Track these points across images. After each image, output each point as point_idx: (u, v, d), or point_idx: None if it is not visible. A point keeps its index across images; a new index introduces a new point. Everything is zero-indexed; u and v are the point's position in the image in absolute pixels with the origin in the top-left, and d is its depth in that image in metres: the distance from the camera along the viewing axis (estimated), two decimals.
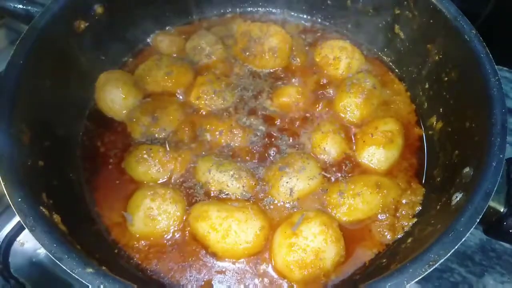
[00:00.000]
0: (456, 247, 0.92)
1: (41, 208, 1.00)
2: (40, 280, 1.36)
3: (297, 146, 1.42)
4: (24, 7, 1.38)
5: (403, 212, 1.29)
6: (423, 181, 1.39)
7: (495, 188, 1.00)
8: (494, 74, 1.18)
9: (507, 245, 1.54)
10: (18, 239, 1.38)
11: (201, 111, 1.48)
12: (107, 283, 0.89)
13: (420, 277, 0.90)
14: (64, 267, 0.90)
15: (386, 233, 1.27)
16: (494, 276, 1.53)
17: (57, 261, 0.90)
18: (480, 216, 0.96)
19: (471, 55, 1.24)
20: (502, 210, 1.07)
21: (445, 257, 0.92)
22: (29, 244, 1.40)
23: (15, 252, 1.37)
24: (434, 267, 0.91)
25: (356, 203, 1.28)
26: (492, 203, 1.06)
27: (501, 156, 1.04)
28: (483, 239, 1.55)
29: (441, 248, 0.93)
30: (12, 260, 1.35)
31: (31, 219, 0.95)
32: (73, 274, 0.89)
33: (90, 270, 0.90)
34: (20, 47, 1.21)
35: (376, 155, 1.39)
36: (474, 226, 0.96)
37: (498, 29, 1.94)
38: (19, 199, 0.97)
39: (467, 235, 0.94)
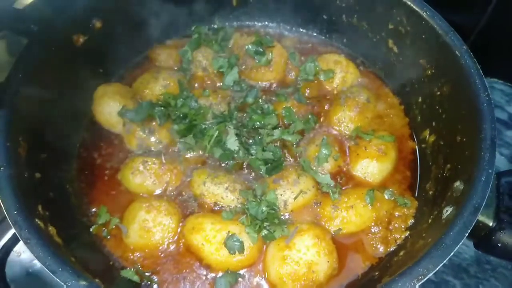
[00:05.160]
0: (445, 261, 0.93)
1: (36, 220, 1.02)
2: None
3: (292, 159, 1.43)
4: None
5: (395, 225, 1.30)
6: (416, 194, 1.40)
7: (484, 203, 1.01)
8: (484, 90, 1.20)
9: None
10: (14, 249, 1.39)
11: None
12: None
13: None
14: (57, 280, 0.92)
15: (379, 246, 1.28)
16: None
17: (50, 274, 0.91)
18: (469, 231, 0.98)
19: (461, 71, 1.26)
20: (491, 225, 1.08)
21: (433, 271, 0.92)
22: (25, 254, 1.41)
23: (12, 262, 1.38)
24: (422, 281, 0.92)
25: (349, 215, 1.29)
26: (481, 218, 1.07)
27: (490, 171, 1.05)
28: (478, 251, 1.56)
29: (430, 262, 0.94)
30: (9, 271, 1.36)
31: (26, 231, 0.97)
32: (67, 287, 0.90)
33: (83, 282, 0.91)
34: (20, 60, 1.24)
35: (369, 168, 1.40)
36: (462, 241, 0.97)
37: (493, 42, 1.96)
38: (15, 212, 0.99)
39: (455, 249, 0.95)
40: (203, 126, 1.42)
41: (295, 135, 1.43)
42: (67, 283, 0.90)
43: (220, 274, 1.21)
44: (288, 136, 1.41)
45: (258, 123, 1.43)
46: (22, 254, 1.41)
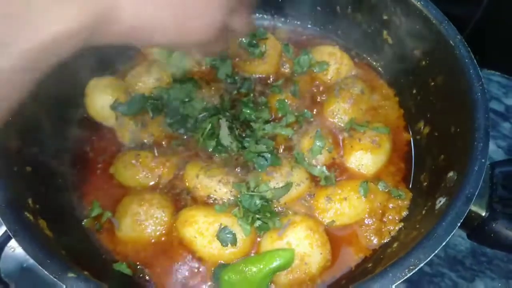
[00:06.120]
0: (436, 251, 0.93)
1: (25, 213, 1.02)
2: (31, 285, 1.36)
3: (285, 151, 1.42)
4: None
5: (389, 216, 1.29)
6: (411, 186, 1.39)
7: (477, 193, 1.01)
8: (478, 79, 1.19)
9: None
10: (9, 244, 1.38)
11: None
12: None
13: (400, 281, 0.90)
14: (46, 272, 0.91)
15: (372, 238, 1.28)
16: (485, 281, 1.53)
17: (39, 266, 0.91)
18: (461, 221, 0.97)
19: (455, 61, 1.25)
20: (484, 215, 1.07)
21: (424, 262, 0.92)
22: (20, 249, 1.38)
23: (6, 257, 1.37)
24: (414, 271, 0.91)
25: (343, 207, 1.28)
26: (474, 208, 1.06)
27: (483, 160, 1.04)
28: (474, 243, 1.55)
29: (422, 253, 0.93)
30: (3, 266, 1.36)
31: (15, 224, 0.97)
32: (55, 279, 0.90)
33: (72, 275, 0.91)
34: None
35: (363, 160, 1.39)
36: (455, 231, 0.96)
37: (490, 34, 1.94)
38: (3, 205, 0.98)
39: (447, 239, 0.94)
40: (196, 119, 1.42)
41: (288, 129, 1.42)
42: (55, 276, 0.89)
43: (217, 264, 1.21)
44: (280, 130, 1.40)
45: (249, 116, 1.42)
46: (17, 249, 1.40)
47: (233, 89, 1.55)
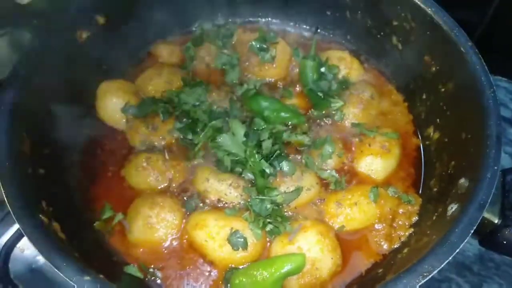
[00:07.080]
0: (450, 258, 0.93)
1: (40, 216, 1.02)
2: (40, 286, 1.37)
3: (296, 155, 1.42)
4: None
5: (399, 222, 1.30)
6: (420, 191, 1.40)
7: (490, 200, 1.01)
8: (490, 86, 1.19)
9: None
10: (18, 245, 1.39)
11: None
12: None
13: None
14: (62, 275, 0.92)
15: (382, 243, 1.28)
16: (492, 287, 1.53)
17: (55, 269, 0.91)
18: (474, 228, 0.97)
19: (466, 67, 1.26)
20: (496, 222, 1.07)
21: (438, 268, 0.92)
22: (29, 250, 1.41)
23: (15, 258, 1.38)
24: (427, 278, 0.91)
25: (353, 212, 1.29)
26: (486, 215, 1.07)
27: (495, 168, 1.04)
28: (482, 249, 1.54)
29: (435, 259, 0.94)
30: (12, 267, 1.36)
31: (30, 227, 0.97)
32: (71, 282, 0.90)
33: (87, 278, 0.91)
34: (22, 57, 1.24)
35: (373, 165, 1.40)
36: (468, 238, 0.96)
37: (498, 39, 1.95)
38: (19, 207, 0.99)
39: (460, 246, 0.94)
40: (206, 123, 1.42)
41: (303, 135, 1.41)
42: (71, 279, 0.90)
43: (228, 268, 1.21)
44: (295, 137, 1.40)
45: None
46: (26, 250, 1.41)
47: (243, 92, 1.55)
